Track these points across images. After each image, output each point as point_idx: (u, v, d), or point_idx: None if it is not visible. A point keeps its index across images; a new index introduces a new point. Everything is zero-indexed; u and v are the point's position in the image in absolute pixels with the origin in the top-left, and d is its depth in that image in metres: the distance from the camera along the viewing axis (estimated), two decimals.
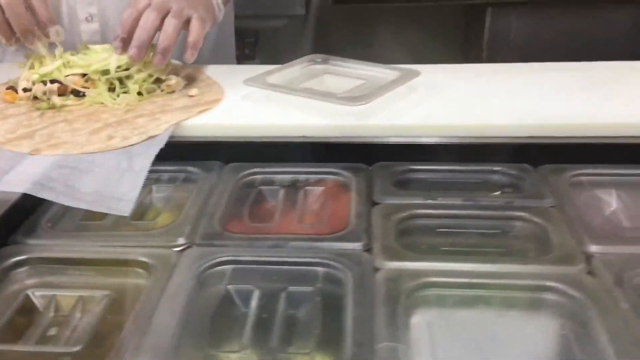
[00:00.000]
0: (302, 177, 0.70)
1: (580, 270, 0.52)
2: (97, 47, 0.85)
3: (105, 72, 0.81)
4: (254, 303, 0.51)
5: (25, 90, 0.81)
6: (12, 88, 0.82)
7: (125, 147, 0.71)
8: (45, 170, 0.66)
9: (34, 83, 0.81)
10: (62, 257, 0.56)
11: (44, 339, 0.49)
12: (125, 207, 0.62)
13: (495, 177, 0.69)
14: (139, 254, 0.56)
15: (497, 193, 0.66)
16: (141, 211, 0.67)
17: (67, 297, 0.53)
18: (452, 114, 0.75)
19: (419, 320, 0.48)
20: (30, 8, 0.81)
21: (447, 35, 2.09)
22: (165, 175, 0.72)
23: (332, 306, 0.50)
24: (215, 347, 0.47)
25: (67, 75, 0.81)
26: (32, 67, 0.83)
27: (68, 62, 0.82)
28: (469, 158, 0.71)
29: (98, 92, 0.80)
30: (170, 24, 0.81)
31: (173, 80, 0.84)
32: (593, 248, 0.55)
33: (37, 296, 0.53)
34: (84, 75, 0.82)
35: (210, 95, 0.82)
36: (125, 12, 0.81)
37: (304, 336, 0.48)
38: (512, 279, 0.51)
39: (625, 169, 0.68)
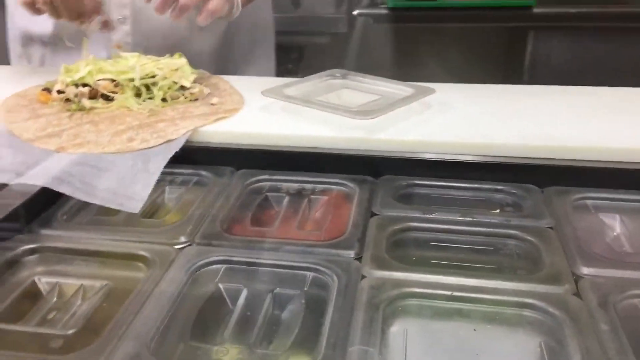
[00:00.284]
0: (308, 186, 0.72)
1: (566, 290, 0.52)
2: (128, 54, 0.89)
3: (133, 78, 0.86)
4: (240, 301, 0.53)
5: (59, 92, 0.87)
6: (47, 90, 0.88)
7: (143, 149, 0.74)
8: (65, 166, 0.70)
9: (67, 86, 0.86)
10: (69, 248, 0.60)
11: (43, 322, 0.53)
12: (135, 205, 0.65)
13: (498, 195, 0.69)
14: (141, 249, 0.59)
15: (496, 211, 0.66)
16: (152, 209, 0.71)
17: (69, 284, 0.57)
18: (459, 131, 0.75)
19: (396, 328, 0.49)
20: None
21: (489, 57, 2.07)
22: (180, 178, 0.75)
23: (314, 309, 0.52)
24: (196, 339, 0.49)
25: (98, 80, 0.86)
26: (67, 71, 0.88)
27: (100, 68, 0.87)
28: (476, 176, 0.72)
29: (125, 97, 0.85)
30: None
31: (196, 88, 0.88)
32: (584, 270, 0.54)
33: (43, 282, 0.57)
34: (113, 80, 0.86)
35: (230, 104, 0.86)
36: None
37: (283, 335, 0.50)
38: (495, 294, 0.51)
39: (632, 194, 0.67)
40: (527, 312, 0.50)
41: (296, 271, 0.56)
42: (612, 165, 0.70)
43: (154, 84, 0.86)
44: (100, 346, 0.46)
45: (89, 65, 0.87)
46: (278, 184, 0.73)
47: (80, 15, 0.90)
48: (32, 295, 0.56)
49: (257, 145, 0.76)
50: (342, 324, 0.48)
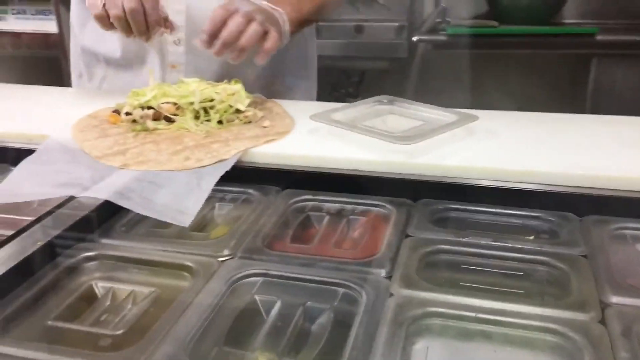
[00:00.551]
0: (348, 207, 0.75)
1: (591, 318, 0.52)
2: (190, 80, 0.96)
3: (193, 102, 0.92)
4: (273, 312, 0.57)
5: (127, 114, 0.94)
6: (117, 112, 0.96)
7: (197, 167, 0.80)
8: (127, 182, 0.77)
9: (134, 108, 0.94)
10: (125, 256, 0.65)
11: (96, 322, 0.58)
12: (185, 219, 0.70)
13: (535, 222, 0.70)
14: (187, 260, 0.64)
15: (530, 237, 0.67)
16: (202, 224, 0.76)
17: (122, 290, 0.62)
18: (500, 158, 0.77)
19: (418, 346, 0.51)
20: (144, 11, 0.95)
21: (550, 85, 2.05)
22: (229, 195, 0.80)
23: (342, 323, 0.55)
24: (230, 344, 0.53)
25: (162, 103, 0.93)
26: (135, 95, 0.96)
27: (164, 92, 0.94)
28: (514, 203, 0.73)
29: (184, 119, 0.91)
30: (254, 29, 0.93)
31: (250, 112, 0.93)
32: (612, 298, 0.55)
33: (99, 287, 0.63)
34: (175, 103, 0.93)
35: (281, 127, 0.91)
36: (216, 12, 0.93)
37: (310, 346, 0.53)
38: (518, 317, 0.53)
39: None
40: (549, 337, 0.51)
41: (328, 286, 0.59)
42: None
43: (212, 107, 0.92)
44: (143, 346, 0.51)
45: (154, 90, 0.94)
46: (320, 204, 0.76)
47: (146, 30, 0.96)
48: (89, 298, 0.61)
49: (302, 167, 0.81)
50: (366, 338, 0.51)
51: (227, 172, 0.79)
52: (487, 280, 0.61)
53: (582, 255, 0.62)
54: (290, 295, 0.59)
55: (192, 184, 0.77)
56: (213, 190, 0.76)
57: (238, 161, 0.82)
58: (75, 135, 0.91)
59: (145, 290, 0.62)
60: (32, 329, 0.56)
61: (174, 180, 0.78)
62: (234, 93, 0.94)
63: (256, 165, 0.83)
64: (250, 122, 0.93)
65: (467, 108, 0.90)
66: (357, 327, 0.52)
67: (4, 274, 0.58)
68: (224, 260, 0.64)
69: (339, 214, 0.74)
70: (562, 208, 0.72)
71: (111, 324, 0.57)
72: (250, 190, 0.80)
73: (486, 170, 0.75)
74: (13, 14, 2.29)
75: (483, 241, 0.65)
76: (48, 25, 2.26)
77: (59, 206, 0.72)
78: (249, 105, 0.95)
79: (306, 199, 0.77)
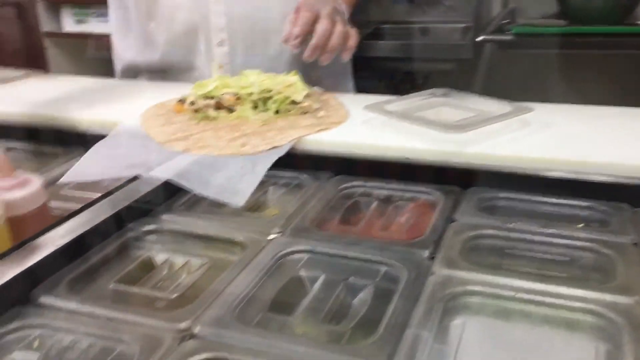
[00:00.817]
0: (397, 193, 0.77)
1: (635, 301, 0.52)
2: (249, 71, 1.00)
3: (252, 92, 0.96)
4: (316, 286, 0.59)
5: (191, 103, 0.99)
6: (182, 101, 1.01)
7: (253, 153, 0.84)
8: (187, 165, 0.81)
9: (198, 98, 0.99)
10: (181, 230, 0.70)
11: (154, 287, 0.62)
12: (239, 200, 0.74)
13: (586, 212, 0.69)
14: (239, 236, 0.67)
15: (580, 226, 0.66)
16: (256, 205, 0.79)
17: (178, 260, 0.66)
18: (553, 148, 0.76)
19: (455, 322, 0.52)
20: None
21: (618, 84, 1.97)
22: (282, 180, 0.83)
23: (382, 298, 0.56)
24: (273, 311, 0.56)
25: (223, 94, 0.98)
26: (198, 86, 1.01)
27: (225, 83, 0.99)
28: (567, 193, 0.72)
29: (244, 109, 0.95)
30: (340, 30, 1.02)
31: (306, 102, 0.96)
32: None
33: (158, 257, 0.67)
34: (236, 94, 0.98)
35: (335, 117, 0.93)
36: (303, 15, 1.01)
37: (349, 316, 0.55)
38: (559, 298, 0.53)
39: None
40: (588, 318, 0.50)
41: (371, 264, 0.61)
42: None
43: (270, 97, 0.96)
44: (194, 308, 0.54)
45: (216, 81, 0.99)
46: (369, 190, 0.78)
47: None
48: (149, 266, 0.66)
49: (354, 154, 0.83)
50: (404, 311, 0.52)
51: (281, 158, 0.82)
52: (530, 264, 0.61)
53: (633, 244, 0.61)
54: (333, 271, 0.61)
55: (246, 168, 0.81)
56: (267, 174, 0.79)
57: (292, 148, 0.85)
58: (143, 123, 0.97)
59: (199, 261, 0.65)
60: (97, 290, 0.60)
61: (230, 165, 0.82)
62: (292, 84, 0.97)
63: (309, 153, 0.85)
64: (306, 112, 0.96)
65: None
66: (396, 301, 0.54)
67: (74, 239, 0.64)
68: (273, 238, 0.67)
69: (387, 200, 0.76)
70: (617, 199, 0.70)
71: (167, 289, 0.61)
72: (303, 176, 0.83)
73: (538, 160, 0.74)
74: (94, 17, 2.43)
75: (529, 228, 0.65)
76: None
77: (126, 184, 0.77)
78: (306, 96, 0.98)
79: (356, 185, 0.79)
